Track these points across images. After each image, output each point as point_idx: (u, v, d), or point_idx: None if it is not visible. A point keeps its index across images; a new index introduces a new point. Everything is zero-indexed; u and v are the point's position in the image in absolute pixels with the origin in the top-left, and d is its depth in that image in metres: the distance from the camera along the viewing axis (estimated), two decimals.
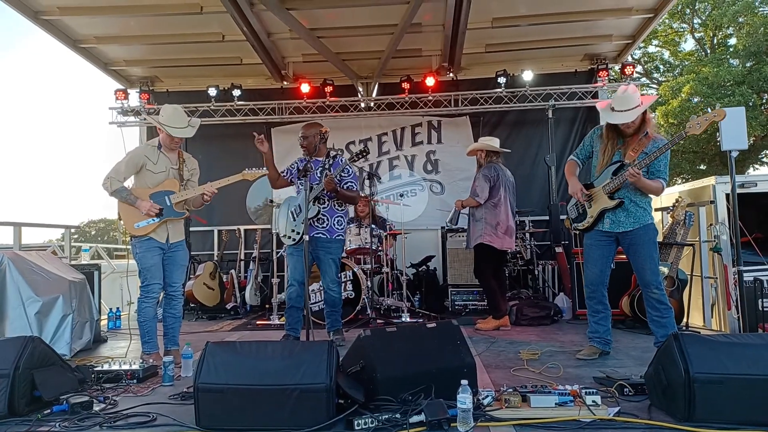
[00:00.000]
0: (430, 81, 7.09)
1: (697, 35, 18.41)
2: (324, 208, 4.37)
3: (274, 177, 4.49)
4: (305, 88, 7.24)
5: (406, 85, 7.10)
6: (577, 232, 4.10)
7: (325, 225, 4.37)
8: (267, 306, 6.70)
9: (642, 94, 3.71)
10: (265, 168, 4.32)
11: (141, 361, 3.53)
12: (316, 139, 4.43)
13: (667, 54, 19.13)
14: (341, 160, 4.48)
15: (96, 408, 2.71)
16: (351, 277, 5.64)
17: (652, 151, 3.55)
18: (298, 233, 4.33)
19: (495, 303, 5.17)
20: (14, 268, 4.02)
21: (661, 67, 19.30)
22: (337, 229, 4.43)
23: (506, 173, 5.21)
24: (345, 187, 4.37)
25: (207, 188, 3.93)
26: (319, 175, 4.40)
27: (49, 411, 2.62)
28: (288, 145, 7.82)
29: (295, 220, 4.41)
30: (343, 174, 4.36)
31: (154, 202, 3.81)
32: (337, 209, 4.46)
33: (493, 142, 5.28)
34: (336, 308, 4.49)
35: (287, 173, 4.60)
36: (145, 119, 7.53)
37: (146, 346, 3.87)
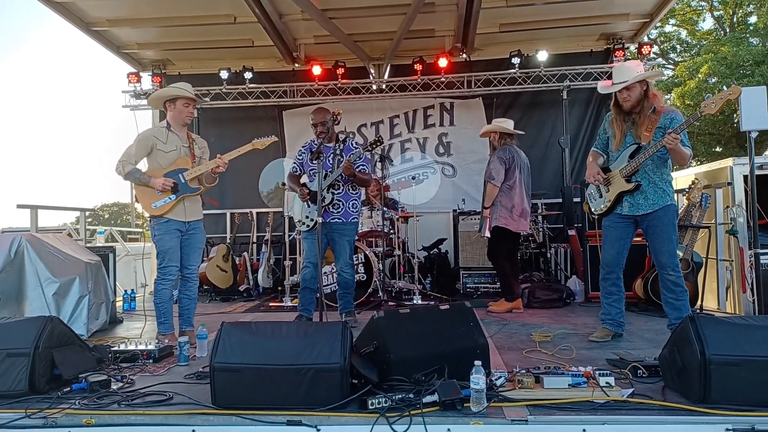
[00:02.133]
0: (442, 62, 7.01)
1: (716, 13, 17.96)
2: (338, 193, 4.40)
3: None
4: (317, 70, 7.19)
5: (418, 67, 7.03)
6: (595, 217, 4.06)
7: (340, 210, 4.41)
8: (279, 288, 6.75)
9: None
10: (273, 136, 4.25)
11: (156, 341, 3.58)
12: (331, 124, 4.42)
13: (684, 33, 18.71)
14: (351, 144, 4.49)
15: (114, 386, 2.75)
16: (363, 260, 5.66)
17: (666, 124, 3.51)
18: (312, 220, 4.36)
19: (508, 285, 5.17)
20: (32, 249, 4.08)
21: (678, 47, 18.90)
22: (352, 212, 4.47)
23: (521, 155, 5.17)
24: (358, 170, 4.37)
25: (218, 160, 3.90)
26: (331, 161, 4.38)
27: (68, 389, 2.66)
28: (299, 128, 7.82)
29: (309, 206, 4.41)
30: (355, 158, 4.36)
31: None
32: (351, 193, 4.49)
33: (507, 124, 5.22)
34: (349, 290, 4.54)
35: (298, 168, 4.60)
36: None
37: (162, 327, 3.92)
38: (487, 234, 5.12)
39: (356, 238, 4.68)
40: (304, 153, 4.59)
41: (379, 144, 4.36)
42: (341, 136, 4.55)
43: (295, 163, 4.68)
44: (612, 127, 3.78)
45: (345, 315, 4.53)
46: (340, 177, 4.32)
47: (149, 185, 3.79)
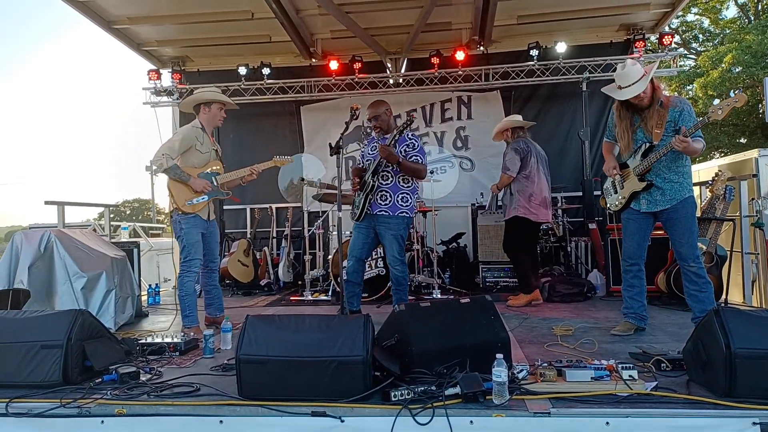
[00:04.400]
0: (459, 55, 6.97)
1: (740, 1, 17.53)
2: (386, 184, 4.28)
3: None
4: (334, 65, 7.21)
5: (435, 60, 6.99)
6: (611, 212, 4.05)
7: (387, 202, 4.28)
8: (300, 282, 6.82)
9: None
10: (290, 157, 4.53)
11: (182, 334, 3.66)
12: (388, 116, 4.37)
13: (707, 22, 18.30)
14: (408, 135, 4.32)
15: (143, 378, 2.83)
16: (382, 254, 5.68)
17: (676, 117, 3.49)
18: (357, 206, 4.34)
19: (525, 277, 5.15)
20: (60, 245, 4.19)
21: (701, 36, 18.50)
22: (401, 206, 4.29)
23: (536, 146, 5.17)
24: (411, 159, 4.24)
25: (253, 169, 4.24)
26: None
27: (100, 380, 2.74)
28: (317, 123, 7.87)
29: (358, 197, 4.41)
30: (408, 149, 4.26)
31: None
32: (402, 186, 4.31)
33: (516, 118, 5.24)
34: (401, 286, 4.34)
35: (361, 161, 4.58)
36: (178, 99, 7.64)
37: (187, 320, 4.02)
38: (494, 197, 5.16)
39: (406, 234, 4.42)
40: (366, 145, 4.60)
41: (410, 123, 4.23)
42: (400, 127, 4.29)
43: (357, 157, 4.70)
44: (618, 128, 3.73)
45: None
46: (390, 168, 4.23)
47: (188, 183, 3.97)
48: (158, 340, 3.47)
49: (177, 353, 3.37)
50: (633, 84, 3.48)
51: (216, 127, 4.29)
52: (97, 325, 3.05)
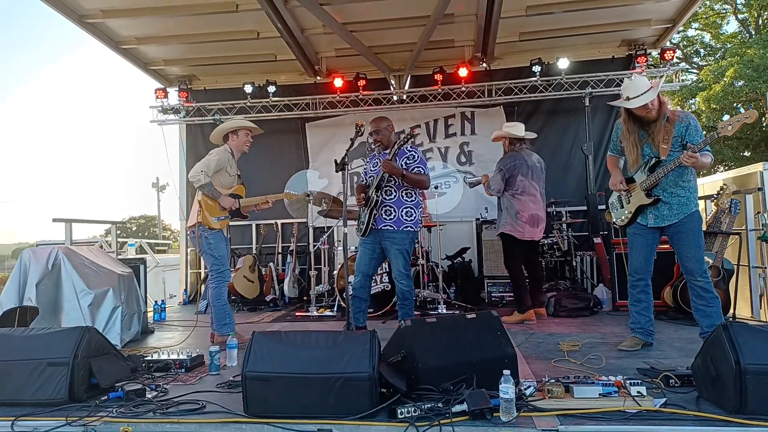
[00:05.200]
0: (462, 72, 7.03)
1: (740, 16, 17.65)
2: (390, 198, 4.27)
3: None
4: (338, 82, 7.28)
5: (438, 77, 7.06)
6: (617, 227, 4.04)
7: (392, 216, 4.25)
8: (305, 298, 6.82)
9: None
10: (299, 193, 5.06)
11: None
12: (389, 132, 4.40)
13: (708, 37, 18.42)
14: (407, 148, 4.32)
15: (148, 395, 2.82)
16: (387, 269, 5.68)
17: (682, 132, 3.51)
18: (363, 222, 4.35)
19: (519, 296, 5.10)
20: (68, 262, 4.21)
21: (702, 51, 18.61)
22: (406, 220, 4.27)
23: (530, 159, 5.07)
24: (413, 171, 4.23)
25: (268, 198, 4.59)
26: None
27: (105, 397, 2.74)
28: (322, 140, 7.92)
29: (363, 212, 4.39)
30: (409, 161, 4.26)
31: None
32: (406, 200, 4.28)
33: (516, 129, 5.12)
34: (407, 301, 4.30)
35: (364, 178, 4.59)
36: (184, 117, 7.73)
37: (227, 328, 4.20)
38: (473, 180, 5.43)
39: (411, 248, 4.40)
40: (368, 162, 4.63)
41: (411, 137, 4.21)
42: (399, 142, 4.29)
43: (360, 173, 4.75)
44: (627, 142, 3.73)
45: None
46: (393, 182, 4.24)
47: (218, 201, 4.25)
48: (164, 356, 3.48)
49: (183, 370, 3.37)
50: (642, 94, 3.50)
51: (244, 152, 4.56)
52: (104, 342, 3.06)
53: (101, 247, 6.10)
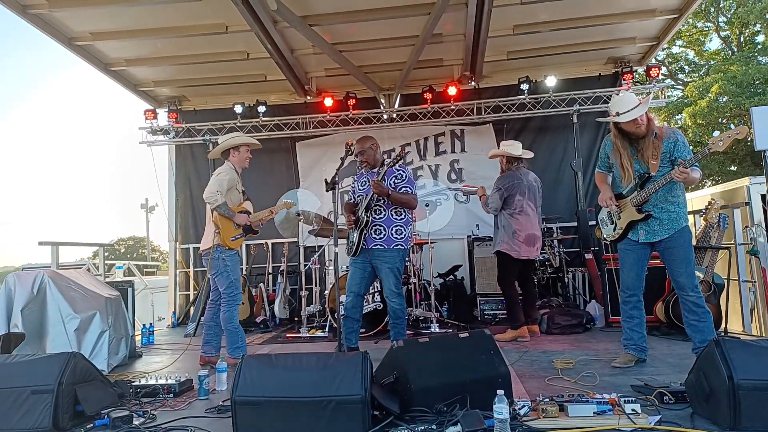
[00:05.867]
0: (452, 90, 7.10)
1: (722, 33, 18.05)
2: (380, 218, 4.26)
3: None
4: (328, 102, 7.32)
5: (428, 95, 7.12)
6: (608, 243, 4.06)
7: (382, 236, 4.24)
8: (296, 319, 6.74)
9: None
10: (289, 203, 5.04)
11: (180, 375, 3.61)
12: (373, 151, 4.39)
13: (691, 54, 18.80)
14: (396, 168, 4.33)
15: (136, 422, 2.76)
16: (379, 288, 5.65)
17: (670, 148, 3.54)
18: (353, 242, 4.34)
19: (513, 313, 5.09)
20: (54, 286, 4.14)
21: (686, 67, 18.96)
22: (396, 238, 4.26)
23: (527, 178, 5.10)
24: (401, 191, 4.25)
25: (271, 210, 4.67)
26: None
27: (91, 425, 2.68)
28: (312, 159, 7.93)
29: (353, 232, 4.38)
30: (397, 180, 4.27)
31: None
32: (395, 218, 4.28)
33: (514, 148, 5.15)
34: (399, 320, 4.28)
35: (352, 197, 4.59)
36: (174, 138, 7.72)
37: (239, 351, 4.22)
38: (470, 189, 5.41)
39: (402, 266, 4.38)
40: (356, 181, 4.63)
41: (400, 159, 4.22)
42: (387, 161, 4.35)
43: (349, 191, 4.72)
44: (616, 158, 3.76)
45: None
46: (382, 201, 4.23)
47: (233, 220, 4.29)
48: (152, 381, 3.41)
49: (171, 395, 3.30)
50: (632, 109, 3.54)
51: (246, 168, 4.57)
52: (90, 368, 2.99)
53: (88, 270, 6.02)
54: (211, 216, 4.33)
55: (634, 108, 3.53)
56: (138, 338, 5.74)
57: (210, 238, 4.29)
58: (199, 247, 4.71)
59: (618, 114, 3.59)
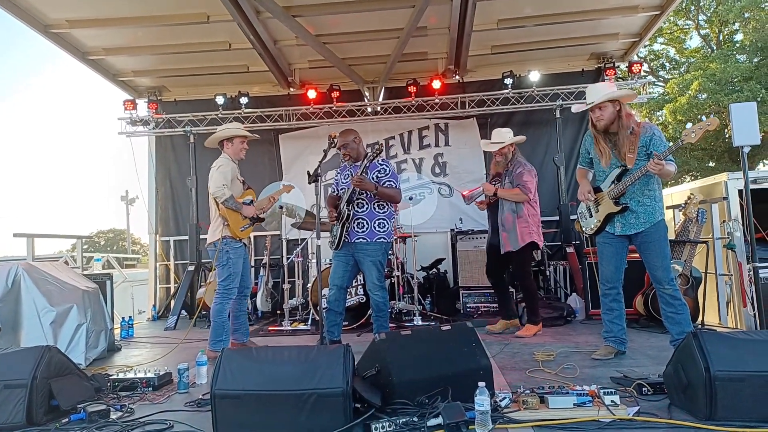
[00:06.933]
0: (436, 84, 7.09)
1: (702, 32, 18.32)
2: (362, 211, 4.25)
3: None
4: (312, 94, 7.26)
5: (412, 89, 7.10)
6: (587, 236, 4.10)
7: (364, 229, 4.24)
8: (278, 312, 6.70)
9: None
10: (288, 186, 5.00)
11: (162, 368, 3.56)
12: (356, 144, 4.37)
13: (672, 51, 19.04)
14: (378, 161, 4.32)
15: (113, 416, 2.72)
16: (362, 282, 5.63)
17: (647, 142, 3.59)
18: (335, 236, 4.31)
19: (535, 307, 4.92)
20: (29, 278, 4.05)
21: (667, 64, 19.22)
22: (378, 231, 4.26)
23: None
24: (385, 185, 4.24)
25: (271, 197, 4.68)
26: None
27: (66, 420, 2.62)
28: (295, 151, 7.87)
29: (335, 226, 4.36)
30: (380, 174, 4.26)
31: None
32: (378, 212, 4.30)
33: (519, 136, 5.10)
34: (381, 313, 4.29)
35: (335, 190, 4.56)
36: (154, 129, 7.59)
37: (220, 344, 4.19)
38: (481, 197, 5.06)
39: (385, 259, 4.36)
40: (339, 173, 4.59)
41: (379, 153, 4.22)
42: (370, 155, 4.29)
43: (333, 186, 4.68)
44: (597, 150, 3.82)
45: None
46: (365, 194, 4.22)
47: (240, 212, 4.30)
48: (130, 375, 3.35)
49: (150, 389, 3.25)
50: (592, 102, 3.67)
51: (241, 159, 4.55)
52: (65, 362, 2.93)
53: (66, 262, 5.90)
54: (217, 210, 4.33)
55: (592, 102, 3.66)
56: (117, 331, 5.66)
57: (218, 231, 4.30)
58: (179, 240, 4.67)
59: (587, 104, 3.72)
